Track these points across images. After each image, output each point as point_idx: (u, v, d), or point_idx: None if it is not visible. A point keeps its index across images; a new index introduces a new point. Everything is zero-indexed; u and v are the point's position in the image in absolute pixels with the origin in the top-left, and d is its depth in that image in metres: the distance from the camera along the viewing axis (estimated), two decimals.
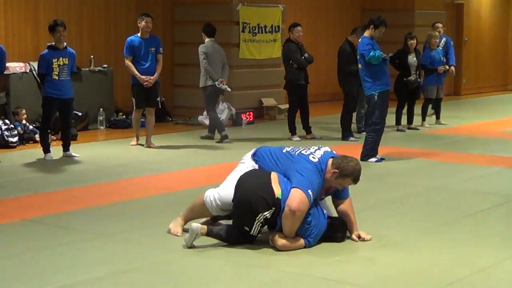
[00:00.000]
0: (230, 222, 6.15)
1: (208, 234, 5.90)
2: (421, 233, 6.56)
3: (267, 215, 5.83)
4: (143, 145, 11.43)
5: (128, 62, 11.19)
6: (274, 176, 5.95)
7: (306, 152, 6.13)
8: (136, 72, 11.12)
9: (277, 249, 5.88)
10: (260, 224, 5.87)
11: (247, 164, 6.29)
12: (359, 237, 6.14)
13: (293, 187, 5.82)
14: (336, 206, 6.29)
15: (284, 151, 6.25)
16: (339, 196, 6.24)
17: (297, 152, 6.17)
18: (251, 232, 5.89)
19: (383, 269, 5.56)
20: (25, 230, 6.65)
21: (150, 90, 11.26)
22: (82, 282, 5.24)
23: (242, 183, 5.92)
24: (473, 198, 8.03)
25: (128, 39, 11.27)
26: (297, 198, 5.75)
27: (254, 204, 5.78)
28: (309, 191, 5.81)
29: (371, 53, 9.89)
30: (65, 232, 6.55)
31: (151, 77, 11.17)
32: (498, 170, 9.67)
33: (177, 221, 6.39)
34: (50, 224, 6.82)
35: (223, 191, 6.12)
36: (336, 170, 5.96)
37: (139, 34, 11.25)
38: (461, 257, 5.85)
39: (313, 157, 6.04)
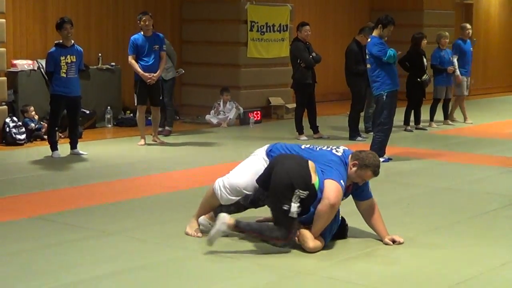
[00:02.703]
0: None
1: (236, 226, 5.69)
2: (428, 233, 6.54)
3: (303, 194, 5.70)
4: (150, 144, 11.45)
5: (131, 60, 11.29)
6: (311, 164, 5.88)
7: (326, 148, 6.18)
8: (139, 70, 11.21)
9: (305, 251, 5.80)
10: (298, 201, 5.69)
11: (259, 157, 6.23)
12: (393, 241, 6.08)
13: (327, 179, 5.80)
14: (360, 210, 6.24)
15: (303, 147, 6.26)
16: (361, 197, 6.19)
17: (318, 148, 6.21)
18: (290, 212, 5.66)
19: (390, 269, 5.55)
20: (32, 227, 6.65)
21: (153, 87, 11.35)
22: (88, 279, 5.24)
23: (280, 162, 5.80)
24: (481, 198, 8.01)
25: (132, 37, 11.36)
26: (334, 190, 5.74)
27: (292, 179, 5.67)
28: (342, 181, 5.82)
29: (388, 53, 9.87)
30: (71, 229, 6.56)
31: (154, 74, 11.23)
32: (507, 171, 9.63)
33: (193, 224, 6.32)
34: (57, 222, 6.83)
35: (233, 176, 6.13)
36: (356, 162, 5.95)
37: (142, 33, 11.31)
38: (469, 258, 5.83)
39: (336, 151, 6.09)
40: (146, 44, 11.25)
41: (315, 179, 5.79)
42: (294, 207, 5.68)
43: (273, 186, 5.75)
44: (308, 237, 5.81)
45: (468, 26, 14.79)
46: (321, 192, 5.78)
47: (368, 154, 6.05)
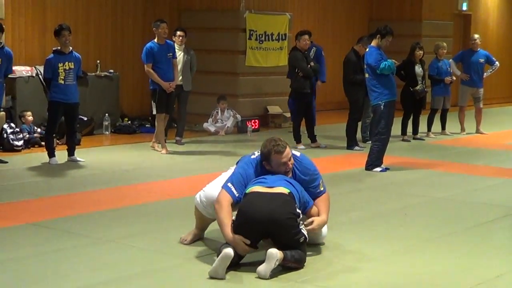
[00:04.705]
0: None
1: (284, 258, 5.52)
2: (424, 243, 6.54)
3: (301, 215, 5.70)
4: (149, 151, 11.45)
5: (149, 69, 11.24)
6: (258, 189, 5.74)
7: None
8: (159, 79, 11.21)
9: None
10: (303, 226, 5.72)
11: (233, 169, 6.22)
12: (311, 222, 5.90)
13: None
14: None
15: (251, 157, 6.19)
16: (316, 196, 6.09)
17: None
18: (306, 238, 5.69)
19: (385, 279, 5.54)
20: (28, 234, 6.64)
21: (171, 95, 11.42)
22: (84, 287, 5.23)
23: (260, 216, 5.55)
24: (477, 209, 8.01)
25: (147, 45, 11.31)
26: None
27: (290, 215, 5.58)
28: (229, 184, 5.83)
29: (381, 65, 9.88)
30: (68, 236, 6.55)
31: (173, 83, 11.32)
32: (503, 182, 9.64)
33: (191, 230, 6.34)
34: (53, 228, 6.82)
35: (208, 188, 6.10)
36: (264, 161, 5.93)
37: (155, 40, 11.31)
38: (465, 268, 5.83)
39: (253, 155, 6.08)
40: (161, 52, 11.27)
41: (283, 189, 5.71)
42: (305, 232, 5.69)
43: (284, 236, 5.60)
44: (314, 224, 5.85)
45: (475, 36, 14.77)
46: (299, 188, 5.84)
47: (264, 144, 5.94)
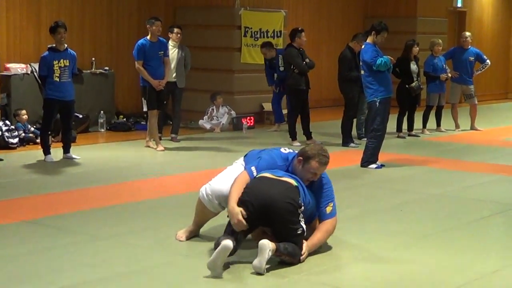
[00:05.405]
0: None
1: (277, 250, 5.52)
2: (420, 240, 6.55)
3: (302, 208, 5.73)
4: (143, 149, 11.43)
5: (139, 66, 11.21)
6: (267, 175, 5.84)
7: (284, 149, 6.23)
8: (149, 77, 11.17)
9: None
10: (303, 218, 5.75)
11: (239, 163, 6.27)
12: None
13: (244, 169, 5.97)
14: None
15: (282, 150, 6.24)
16: (321, 217, 6.06)
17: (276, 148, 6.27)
18: (304, 231, 5.71)
19: (381, 276, 5.55)
20: (24, 231, 6.64)
21: (161, 92, 11.38)
22: (80, 284, 5.24)
23: (262, 195, 5.64)
24: (472, 206, 8.02)
25: (139, 42, 11.28)
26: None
27: (290, 201, 5.63)
28: (252, 167, 5.91)
29: (377, 62, 9.89)
30: (64, 233, 6.55)
31: (162, 81, 11.26)
32: (498, 178, 9.66)
33: (187, 227, 6.35)
34: (49, 226, 6.82)
35: (214, 182, 6.12)
36: (301, 157, 5.95)
37: (148, 38, 11.28)
38: (460, 265, 5.85)
39: (284, 150, 6.16)
40: (152, 49, 11.24)
41: (291, 180, 5.78)
42: (303, 225, 5.72)
43: (281, 221, 5.63)
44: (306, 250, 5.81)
45: (466, 34, 14.84)
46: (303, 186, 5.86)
47: (311, 146, 6.05)
